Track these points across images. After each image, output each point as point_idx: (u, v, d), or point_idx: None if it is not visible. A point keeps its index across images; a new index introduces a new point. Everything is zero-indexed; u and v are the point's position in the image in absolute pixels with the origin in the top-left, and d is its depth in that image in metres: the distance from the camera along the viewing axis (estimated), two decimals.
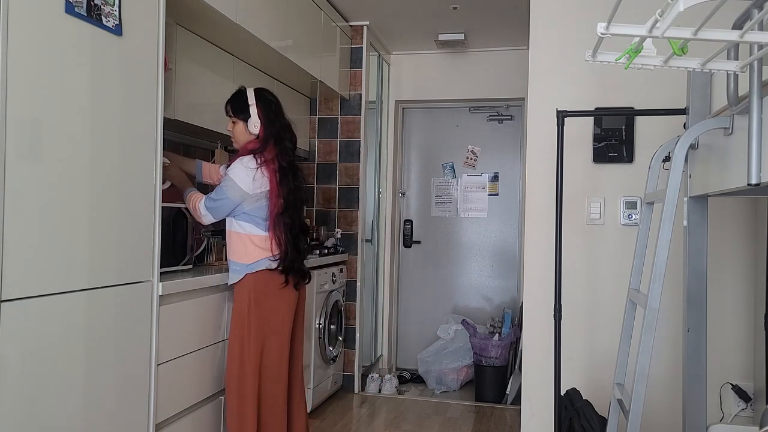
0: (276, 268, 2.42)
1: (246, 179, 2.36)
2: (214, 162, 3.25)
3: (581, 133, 2.76)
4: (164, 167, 2.30)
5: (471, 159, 4.82)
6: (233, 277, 2.43)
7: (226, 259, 2.54)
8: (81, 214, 1.73)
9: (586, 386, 2.70)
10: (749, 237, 2.61)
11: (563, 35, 2.79)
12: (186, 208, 2.48)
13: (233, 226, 2.45)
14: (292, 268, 2.45)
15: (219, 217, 2.42)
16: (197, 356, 2.33)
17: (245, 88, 2.50)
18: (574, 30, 2.78)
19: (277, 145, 2.43)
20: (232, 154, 3.34)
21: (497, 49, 4.60)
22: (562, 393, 2.42)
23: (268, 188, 2.40)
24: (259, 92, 2.49)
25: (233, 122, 2.50)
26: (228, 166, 2.47)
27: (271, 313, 2.42)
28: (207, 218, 2.41)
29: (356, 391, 4.12)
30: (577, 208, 2.78)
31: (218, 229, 3.13)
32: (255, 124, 2.44)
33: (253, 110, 2.43)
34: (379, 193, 4.61)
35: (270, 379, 2.43)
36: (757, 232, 2.58)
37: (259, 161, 2.37)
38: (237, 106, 2.47)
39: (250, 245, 2.41)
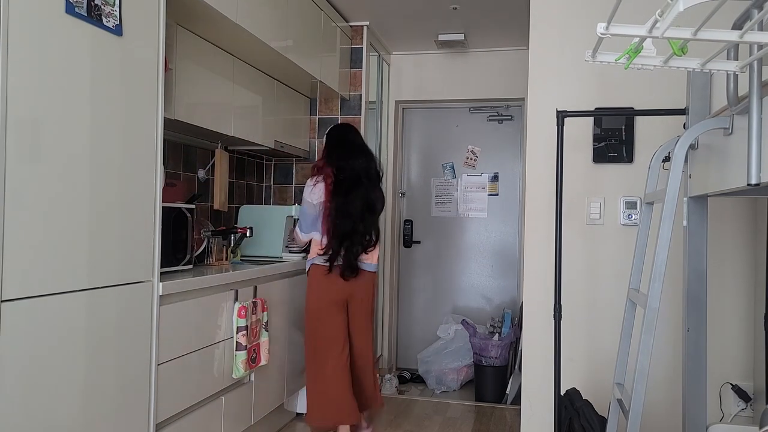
0: (325, 264, 2.98)
1: (307, 191, 3.05)
2: (214, 162, 3.26)
3: (581, 133, 2.76)
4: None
5: (471, 159, 4.82)
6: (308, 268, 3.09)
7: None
8: (81, 214, 1.73)
9: (586, 386, 2.70)
10: (749, 237, 2.61)
11: (563, 35, 2.79)
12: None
13: (312, 235, 3.09)
14: (335, 260, 2.98)
15: (307, 229, 3.05)
16: (197, 356, 2.34)
17: (333, 126, 3.29)
18: (574, 30, 2.78)
19: (332, 166, 3.02)
20: (236, 155, 3.52)
21: (497, 49, 4.60)
22: (562, 393, 2.42)
23: (322, 200, 2.98)
24: (333, 126, 3.28)
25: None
26: None
27: (323, 295, 3.00)
28: (300, 234, 3.09)
29: None
30: (577, 208, 2.78)
31: (218, 230, 3.13)
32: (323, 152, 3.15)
33: (326, 142, 3.17)
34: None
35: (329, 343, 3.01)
36: (757, 232, 2.58)
37: (315, 180, 3.04)
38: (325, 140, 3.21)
39: (317, 246, 3.02)
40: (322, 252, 2.96)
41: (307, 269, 3.06)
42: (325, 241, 2.95)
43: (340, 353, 2.98)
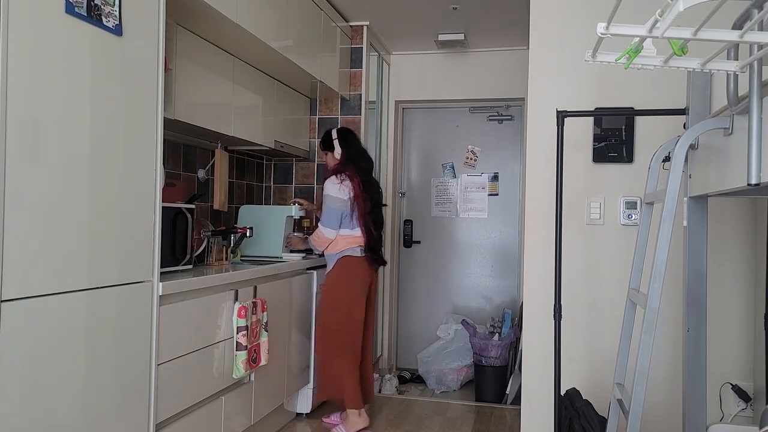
0: (360, 255, 3.21)
1: (335, 189, 3.16)
2: (214, 162, 3.26)
3: (581, 133, 2.76)
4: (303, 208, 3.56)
5: (471, 159, 4.82)
6: (329, 267, 3.25)
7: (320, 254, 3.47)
8: (81, 214, 1.73)
9: (586, 386, 2.70)
10: (749, 237, 2.61)
11: (563, 35, 2.79)
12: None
13: (338, 232, 3.22)
14: (371, 252, 3.25)
15: (334, 227, 3.16)
16: (197, 356, 2.33)
17: (331, 129, 3.38)
18: (574, 30, 2.77)
19: (354, 164, 3.25)
20: (236, 155, 3.48)
21: (497, 49, 4.60)
22: (562, 393, 2.42)
23: (352, 195, 3.17)
24: (340, 130, 3.36)
25: (325, 154, 3.40)
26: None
27: (355, 284, 3.20)
28: (327, 232, 3.17)
29: None
30: (577, 208, 2.78)
31: (218, 230, 3.13)
32: (338, 152, 3.29)
33: (336, 143, 3.30)
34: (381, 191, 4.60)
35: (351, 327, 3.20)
36: (757, 232, 2.58)
37: (340, 177, 3.18)
38: (324, 141, 3.36)
39: (340, 241, 3.20)
40: (356, 244, 3.19)
41: (333, 262, 3.20)
42: (359, 233, 3.19)
43: (360, 338, 3.24)
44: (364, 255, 3.23)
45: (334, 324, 3.17)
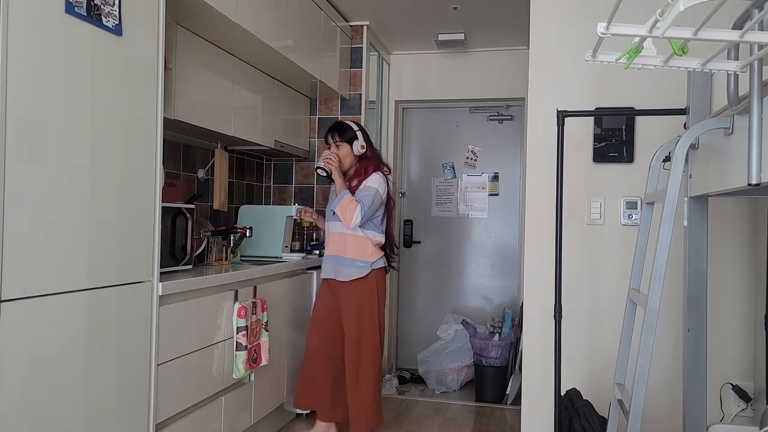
0: (387, 265, 3.04)
1: (383, 190, 2.95)
2: (214, 162, 3.25)
3: (581, 133, 2.76)
4: (330, 159, 2.94)
5: (471, 159, 4.82)
6: (357, 273, 2.90)
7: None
8: (81, 214, 1.73)
9: (586, 386, 2.70)
10: (749, 237, 2.61)
11: (563, 35, 2.79)
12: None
13: (356, 230, 2.93)
14: (389, 263, 3.07)
15: (364, 221, 2.89)
16: (197, 356, 2.33)
17: (344, 121, 3.08)
18: (574, 30, 2.77)
19: (382, 162, 3.05)
20: (236, 155, 3.45)
21: (497, 49, 4.60)
22: (562, 393, 2.42)
23: (387, 196, 2.99)
24: (356, 122, 3.10)
25: (337, 146, 3.00)
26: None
27: (383, 300, 3.00)
28: (356, 222, 2.87)
29: None
30: (578, 208, 2.78)
31: (218, 230, 3.13)
32: (362, 145, 3.00)
33: (360, 134, 3.01)
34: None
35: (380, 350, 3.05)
36: (757, 232, 2.58)
37: (385, 173, 2.99)
38: (344, 132, 3.01)
39: (371, 247, 2.94)
40: (382, 253, 3.00)
41: (367, 271, 2.91)
42: (383, 239, 3.00)
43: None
44: (386, 265, 3.07)
45: (377, 345, 3.00)
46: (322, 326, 3.01)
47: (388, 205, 3.02)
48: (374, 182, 2.92)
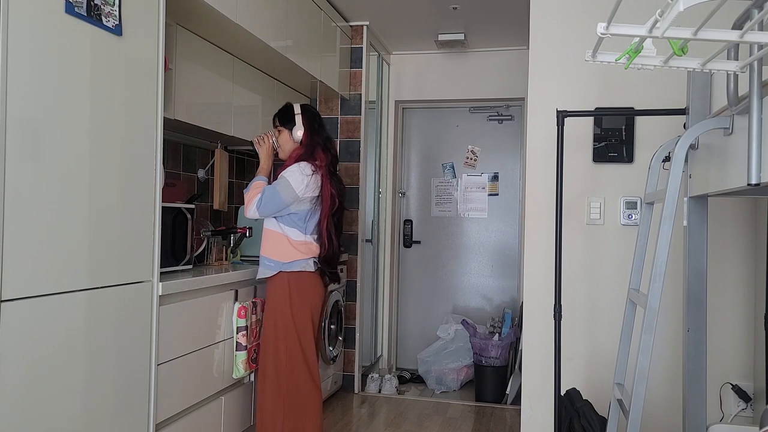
0: (314, 270, 2.65)
1: (300, 184, 2.57)
2: (214, 162, 3.25)
3: (581, 133, 2.76)
4: (263, 137, 2.74)
5: (471, 159, 4.82)
6: (265, 272, 2.62)
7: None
8: (81, 214, 1.73)
9: (586, 386, 2.70)
10: (749, 237, 2.61)
11: (563, 35, 2.79)
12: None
13: (271, 225, 2.64)
14: (328, 266, 2.70)
15: (265, 214, 2.59)
16: (197, 356, 2.33)
17: (291, 103, 2.78)
18: (574, 30, 2.77)
19: (325, 152, 2.69)
20: (236, 155, 3.44)
21: (497, 49, 4.60)
22: (562, 393, 2.42)
23: (317, 194, 2.62)
24: (303, 105, 2.77)
25: (278, 131, 2.76)
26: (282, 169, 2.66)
27: (302, 308, 2.61)
28: (253, 213, 2.58)
29: (356, 391, 4.12)
30: (577, 208, 2.78)
31: (218, 230, 3.13)
32: (299, 130, 2.70)
33: (299, 119, 2.70)
34: (379, 193, 4.61)
35: (302, 369, 2.61)
36: (757, 232, 2.58)
37: (314, 168, 2.61)
38: (283, 115, 2.75)
39: (287, 246, 2.61)
40: (311, 255, 2.63)
41: (277, 272, 2.59)
42: (314, 240, 2.64)
43: (311, 378, 2.62)
44: (317, 269, 2.65)
45: (272, 365, 2.57)
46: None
47: (324, 199, 2.64)
48: (289, 173, 2.57)
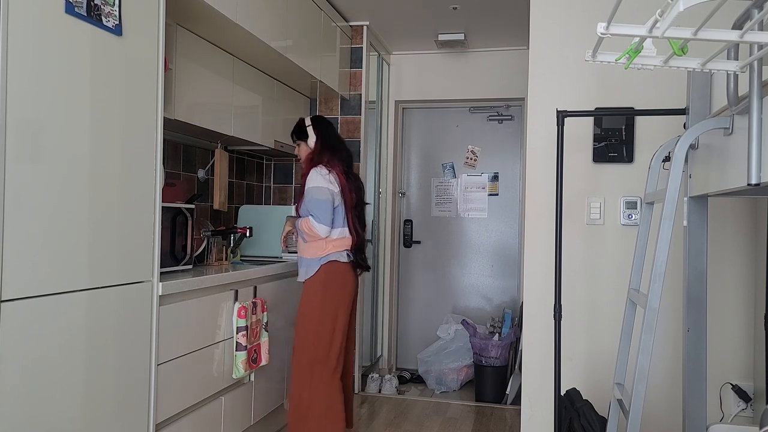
0: (347, 260, 2.82)
1: (324, 181, 2.76)
2: (214, 162, 3.26)
3: (581, 133, 2.76)
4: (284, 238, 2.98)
5: (471, 159, 4.82)
6: (308, 272, 2.78)
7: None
8: (81, 215, 1.73)
9: (586, 386, 2.70)
10: (749, 237, 2.61)
11: (563, 35, 2.79)
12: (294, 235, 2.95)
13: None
14: (358, 257, 2.89)
15: (329, 223, 2.75)
16: (197, 356, 2.33)
17: (303, 118, 3.00)
18: (574, 30, 2.77)
19: (335, 154, 2.88)
20: (236, 155, 3.46)
21: (497, 49, 4.60)
22: (562, 393, 2.42)
23: (338, 189, 2.80)
24: (313, 117, 2.99)
25: (297, 145, 2.99)
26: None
27: (336, 295, 2.77)
28: (321, 229, 2.73)
29: (356, 391, 4.11)
30: (577, 208, 2.78)
31: (218, 230, 3.13)
32: (312, 140, 2.91)
33: (310, 130, 2.93)
34: (379, 193, 4.61)
35: (335, 355, 2.76)
36: (757, 232, 2.58)
37: (327, 168, 2.81)
38: (297, 130, 2.97)
39: (322, 243, 2.78)
40: (344, 247, 2.80)
41: (315, 269, 2.75)
42: (347, 233, 2.82)
43: (337, 364, 2.78)
44: (351, 260, 2.84)
45: (318, 346, 2.72)
46: None
47: (345, 195, 2.82)
48: (312, 181, 2.76)
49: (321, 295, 2.75)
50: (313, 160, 2.84)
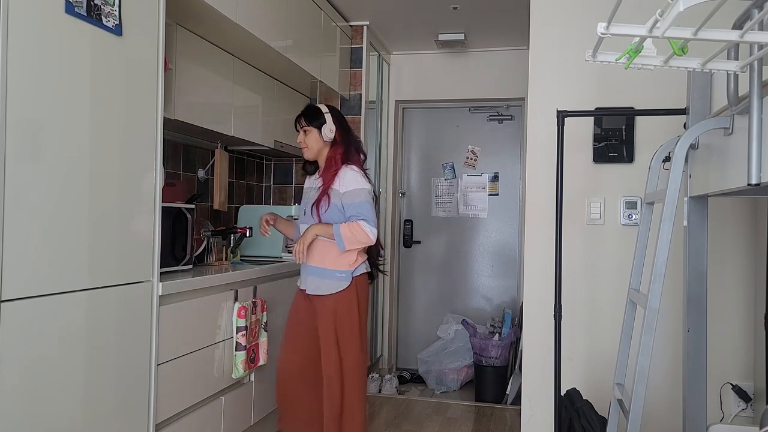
0: (367, 270, 2.64)
1: (364, 180, 2.54)
2: (214, 162, 3.26)
3: (581, 133, 2.76)
4: (268, 222, 2.70)
5: (471, 159, 4.82)
6: (338, 285, 2.51)
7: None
8: (81, 214, 1.73)
9: (586, 386, 2.70)
10: (749, 237, 2.61)
11: (563, 35, 2.79)
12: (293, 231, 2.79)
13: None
14: (375, 267, 2.73)
15: (377, 227, 2.53)
16: (197, 356, 2.33)
17: (316, 104, 2.72)
18: (574, 30, 2.77)
19: (358, 152, 2.65)
20: (236, 155, 3.44)
21: (497, 49, 4.60)
22: (562, 393, 2.42)
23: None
24: (329, 105, 2.67)
25: (305, 131, 2.61)
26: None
27: (365, 309, 2.61)
28: (375, 233, 2.50)
29: None
30: (577, 208, 2.78)
31: (218, 230, 3.13)
32: (330, 129, 2.58)
33: (328, 117, 2.59)
34: (379, 193, 4.61)
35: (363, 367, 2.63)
36: (757, 232, 2.58)
37: (359, 167, 2.58)
38: (311, 114, 2.61)
39: (353, 252, 2.54)
40: (365, 258, 2.61)
41: (348, 282, 2.52)
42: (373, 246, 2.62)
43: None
44: (369, 270, 2.66)
45: (360, 362, 2.58)
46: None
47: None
48: (356, 183, 2.51)
49: (357, 310, 2.54)
50: (342, 157, 2.56)
